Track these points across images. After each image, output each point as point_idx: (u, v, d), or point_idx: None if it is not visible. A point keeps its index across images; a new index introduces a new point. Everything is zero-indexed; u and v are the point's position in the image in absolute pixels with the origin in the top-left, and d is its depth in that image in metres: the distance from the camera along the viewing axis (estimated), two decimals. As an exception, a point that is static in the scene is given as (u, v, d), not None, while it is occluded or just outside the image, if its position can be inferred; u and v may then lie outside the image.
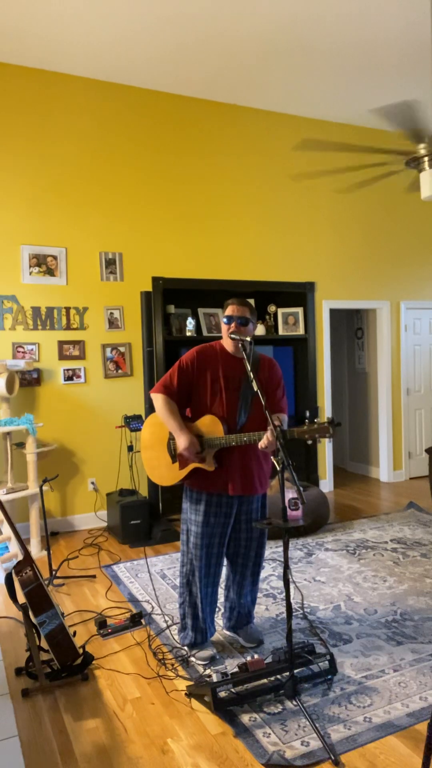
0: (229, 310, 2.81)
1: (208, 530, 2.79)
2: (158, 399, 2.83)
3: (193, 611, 2.87)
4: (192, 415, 2.87)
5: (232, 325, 2.78)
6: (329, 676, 2.63)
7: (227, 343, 2.84)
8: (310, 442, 2.53)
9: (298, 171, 6.01)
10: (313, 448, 5.97)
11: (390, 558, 4.13)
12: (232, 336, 2.73)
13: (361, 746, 2.19)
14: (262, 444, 2.57)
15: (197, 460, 2.76)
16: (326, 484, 6.19)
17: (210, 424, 2.76)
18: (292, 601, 3.45)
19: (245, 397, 2.80)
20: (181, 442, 2.73)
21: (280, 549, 4.39)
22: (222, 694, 2.43)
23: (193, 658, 2.83)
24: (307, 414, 2.71)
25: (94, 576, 4.00)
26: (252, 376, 2.58)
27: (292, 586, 3.67)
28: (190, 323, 5.41)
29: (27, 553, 2.78)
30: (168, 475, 2.89)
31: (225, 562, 3.20)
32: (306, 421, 2.59)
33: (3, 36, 4.40)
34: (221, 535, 2.83)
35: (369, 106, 5.80)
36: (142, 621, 3.25)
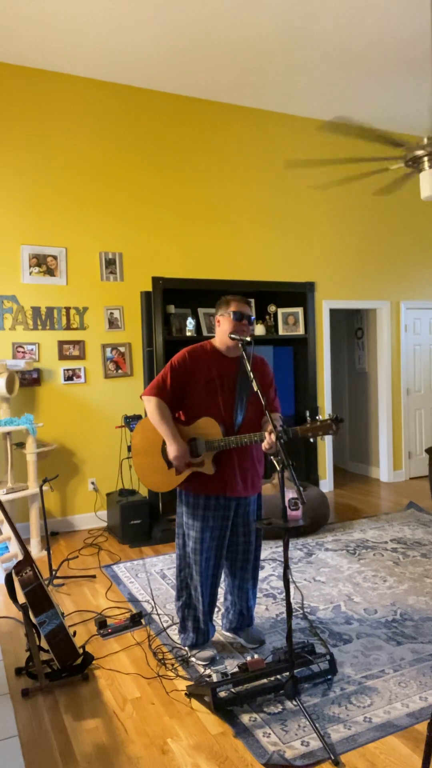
0: (235, 306, 2.71)
1: (207, 534, 2.77)
2: (150, 402, 2.75)
3: (193, 613, 2.86)
4: (186, 417, 2.81)
5: (243, 322, 2.71)
6: (329, 676, 2.63)
7: (223, 343, 2.77)
8: (312, 440, 2.51)
9: (298, 171, 6.01)
10: (312, 449, 5.97)
11: (390, 558, 4.13)
12: (233, 336, 2.68)
13: (361, 746, 2.19)
14: (265, 446, 2.52)
15: (194, 465, 2.72)
16: (326, 484, 6.19)
17: (207, 426, 2.71)
18: (292, 601, 3.45)
19: (240, 397, 2.76)
20: (172, 450, 2.69)
21: (280, 549, 4.39)
22: (222, 694, 2.43)
23: (193, 659, 2.83)
24: (308, 414, 2.67)
25: (94, 576, 4.00)
26: (252, 376, 2.56)
27: (292, 586, 3.67)
28: (190, 323, 5.41)
29: (27, 553, 2.78)
30: (164, 480, 2.84)
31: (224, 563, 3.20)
32: (308, 419, 2.56)
33: (4, 36, 4.40)
34: (221, 537, 2.82)
35: (369, 106, 5.80)
36: (142, 621, 3.25)
